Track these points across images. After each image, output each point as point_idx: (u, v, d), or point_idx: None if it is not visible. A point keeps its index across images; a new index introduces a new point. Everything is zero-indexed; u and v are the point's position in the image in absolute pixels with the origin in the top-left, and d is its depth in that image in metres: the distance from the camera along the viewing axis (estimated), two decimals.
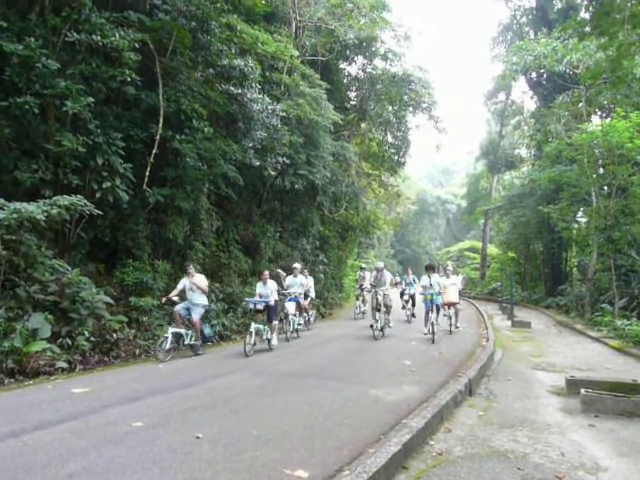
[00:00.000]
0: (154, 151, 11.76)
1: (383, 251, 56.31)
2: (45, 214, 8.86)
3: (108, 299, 10.32)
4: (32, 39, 9.87)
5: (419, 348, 11.77)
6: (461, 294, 23.70)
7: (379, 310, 13.26)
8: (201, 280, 10.97)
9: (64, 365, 8.80)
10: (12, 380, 8.10)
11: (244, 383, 7.90)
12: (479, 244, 46.68)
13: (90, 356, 9.65)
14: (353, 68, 27.56)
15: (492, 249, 43.68)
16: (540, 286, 29.16)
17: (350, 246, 31.29)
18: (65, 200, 9.23)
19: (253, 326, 10.82)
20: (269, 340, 11.59)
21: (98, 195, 10.67)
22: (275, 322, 11.74)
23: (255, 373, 8.71)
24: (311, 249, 22.75)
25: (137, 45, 11.22)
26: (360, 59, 26.66)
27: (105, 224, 11.61)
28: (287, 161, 16.44)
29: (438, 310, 14.07)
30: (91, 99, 10.45)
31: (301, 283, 14.43)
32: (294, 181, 17.85)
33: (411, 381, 7.96)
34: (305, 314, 15.36)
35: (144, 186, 11.74)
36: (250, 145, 14.50)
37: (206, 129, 12.95)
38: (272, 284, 11.91)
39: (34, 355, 8.43)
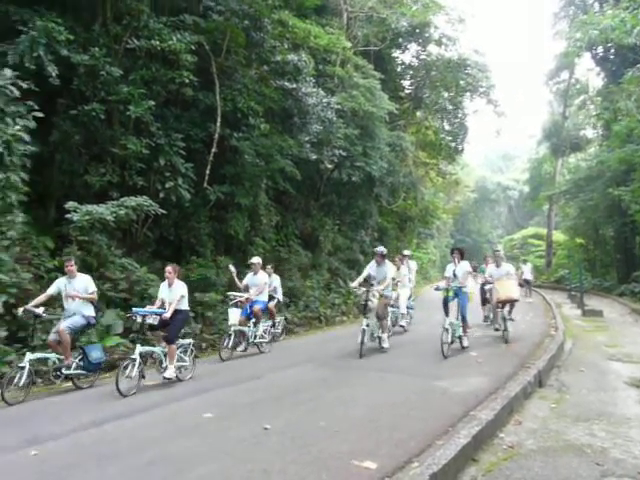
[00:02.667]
0: (213, 150, 12.05)
1: (443, 241, 55.29)
2: (114, 215, 9.30)
3: None
4: (96, 49, 10.34)
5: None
6: (530, 284, 22.85)
7: (366, 316, 9.59)
8: (84, 284, 7.79)
9: None
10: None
11: (308, 375, 7.98)
12: (544, 231, 44.94)
13: None
14: (407, 56, 27.16)
15: (558, 235, 41.93)
16: (612, 273, 27.76)
17: (409, 237, 30.95)
18: (132, 201, 9.64)
19: (138, 350, 7.13)
20: (172, 371, 7.63)
21: (162, 195, 11.08)
22: (173, 345, 7.70)
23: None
24: (370, 241, 22.66)
25: (193, 47, 11.51)
26: (414, 46, 26.25)
27: (169, 223, 12.02)
28: (343, 154, 16.45)
29: (462, 311, 9.68)
30: (152, 102, 10.83)
31: (265, 282, 10.47)
32: (351, 173, 17.81)
33: (477, 372, 7.77)
34: (268, 322, 11.00)
35: (205, 184, 12.07)
36: (306, 139, 14.61)
37: (262, 126, 13.16)
38: (180, 287, 7.96)
39: (109, 349, 8.85)
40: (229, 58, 13.26)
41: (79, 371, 7.56)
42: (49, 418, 5.98)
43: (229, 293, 10.39)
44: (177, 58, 11.23)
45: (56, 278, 9.18)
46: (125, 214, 9.56)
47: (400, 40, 24.95)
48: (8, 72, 8.47)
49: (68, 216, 9.23)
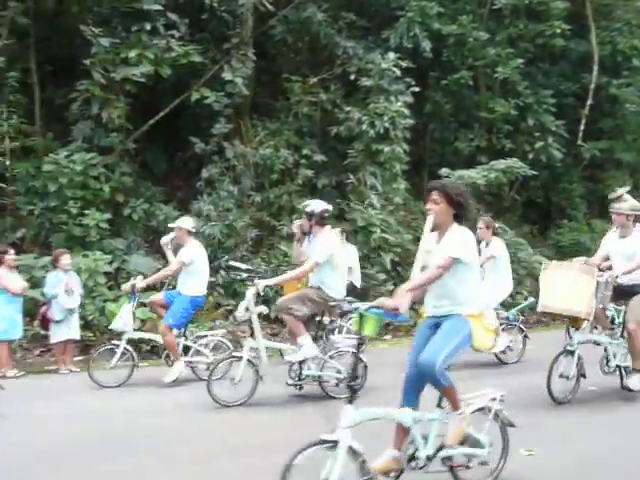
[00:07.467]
0: (588, 102, 11.00)
1: None
2: (484, 178, 9.51)
3: (544, 260, 10.27)
4: (464, 16, 10.60)
5: None
6: None
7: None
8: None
9: None
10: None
11: None
12: None
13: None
14: None
15: None
16: None
17: None
18: (501, 164, 9.70)
19: None
20: None
21: (531, 156, 10.77)
22: None
23: None
24: None
25: None
26: None
27: (537, 185, 11.68)
28: None
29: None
30: (520, 60, 10.61)
31: (181, 261, 5.61)
32: None
33: None
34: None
35: (578, 141, 11.16)
36: None
37: None
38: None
39: None
40: None
41: None
42: None
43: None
44: (547, 7, 10.61)
45: None
46: (495, 177, 9.65)
47: None
48: (391, 55, 9.45)
49: None
